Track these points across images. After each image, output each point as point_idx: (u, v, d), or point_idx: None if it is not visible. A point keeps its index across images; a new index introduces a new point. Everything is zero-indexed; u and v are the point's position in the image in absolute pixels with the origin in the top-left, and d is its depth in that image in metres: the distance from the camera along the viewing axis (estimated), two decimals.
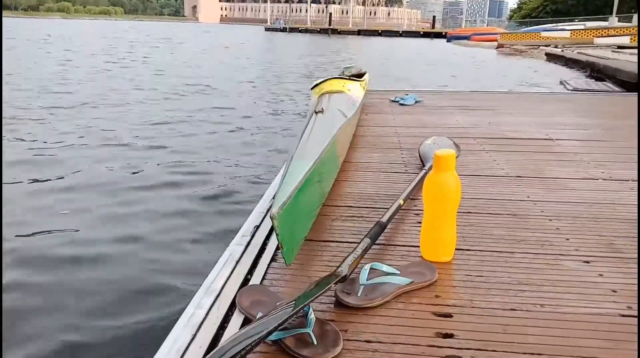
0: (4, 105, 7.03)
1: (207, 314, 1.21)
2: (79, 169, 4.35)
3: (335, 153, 2.25)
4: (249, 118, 7.02)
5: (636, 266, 1.49)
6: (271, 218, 1.24)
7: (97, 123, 6.35)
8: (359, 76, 4.09)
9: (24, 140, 5.40)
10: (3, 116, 6.13)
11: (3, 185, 3.49)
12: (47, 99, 7.95)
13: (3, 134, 5.40)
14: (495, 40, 24.56)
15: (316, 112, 2.37)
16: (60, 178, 4.11)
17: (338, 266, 1.31)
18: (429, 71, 11.97)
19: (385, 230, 1.65)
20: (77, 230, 3.10)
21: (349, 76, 4.11)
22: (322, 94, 3.10)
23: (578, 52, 14.55)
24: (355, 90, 3.37)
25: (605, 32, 19.79)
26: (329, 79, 3.39)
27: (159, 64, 13.62)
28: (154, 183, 4.15)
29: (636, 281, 1.41)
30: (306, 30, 37.64)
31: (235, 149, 5.29)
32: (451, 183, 1.47)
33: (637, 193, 2.12)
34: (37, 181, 4.08)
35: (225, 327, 1.18)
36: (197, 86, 9.75)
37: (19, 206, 3.43)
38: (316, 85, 3.41)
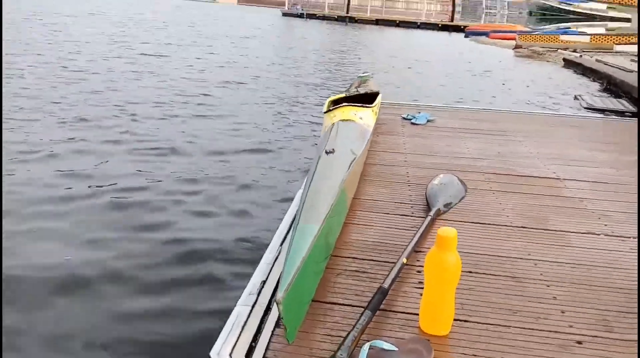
0: None
1: None
2: None
3: (345, 202, 2.31)
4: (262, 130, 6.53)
5: (625, 351, 1.55)
6: (276, 303, 1.31)
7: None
8: (372, 96, 4.11)
9: None
10: None
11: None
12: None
13: None
14: (513, 39, 24.25)
15: (327, 153, 2.44)
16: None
17: (338, 349, 1.38)
18: (447, 81, 11.55)
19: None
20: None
21: (361, 95, 4.16)
22: (334, 122, 3.16)
23: (596, 60, 14.39)
24: (367, 118, 3.42)
25: (625, 40, 19.56)
26: (342, 106, 3.44)
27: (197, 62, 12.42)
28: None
29: None
30: (324, 17, 37.47)
31: (249, 171, 5.02)
32: (452, 263, 1.53)
33: (637, 260, 2.15)
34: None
35: None
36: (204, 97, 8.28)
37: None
38: (329, 110, 3.47)
